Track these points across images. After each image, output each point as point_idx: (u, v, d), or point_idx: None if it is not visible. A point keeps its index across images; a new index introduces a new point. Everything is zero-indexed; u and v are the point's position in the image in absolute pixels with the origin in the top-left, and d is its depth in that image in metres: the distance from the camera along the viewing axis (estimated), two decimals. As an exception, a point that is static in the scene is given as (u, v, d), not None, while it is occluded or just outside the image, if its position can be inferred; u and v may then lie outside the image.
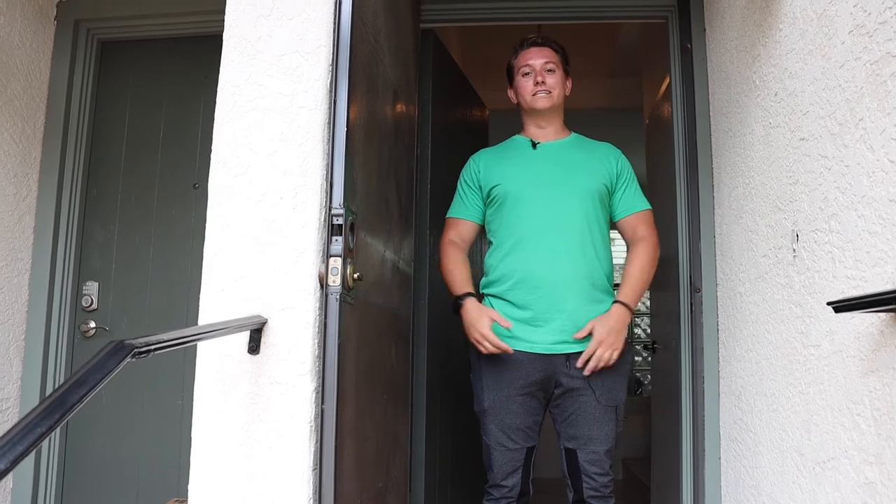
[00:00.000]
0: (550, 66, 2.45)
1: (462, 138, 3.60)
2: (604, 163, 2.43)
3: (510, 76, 2.54)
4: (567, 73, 2.52)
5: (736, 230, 2.35)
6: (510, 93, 2.55)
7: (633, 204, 2.43)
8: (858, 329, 1.44)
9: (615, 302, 2.29)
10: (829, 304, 1.40)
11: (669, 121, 2.87)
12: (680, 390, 2.71)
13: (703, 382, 2.59)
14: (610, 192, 2.41)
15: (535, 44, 2.49)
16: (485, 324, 2.23)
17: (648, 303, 6.18)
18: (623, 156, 2.49)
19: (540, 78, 2.42)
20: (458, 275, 2.39)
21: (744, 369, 2.25)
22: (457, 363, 3.29)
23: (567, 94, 2.51)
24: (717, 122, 2.61)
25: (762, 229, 2.07)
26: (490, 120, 4.20)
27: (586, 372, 2.21)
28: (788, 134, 1.84)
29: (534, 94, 2.42)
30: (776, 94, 1.94)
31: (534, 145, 2.45)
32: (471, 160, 2.53)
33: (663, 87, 3.12)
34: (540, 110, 2.44)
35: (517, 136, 2.54)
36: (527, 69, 2.45)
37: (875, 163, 1.39)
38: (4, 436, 0.96)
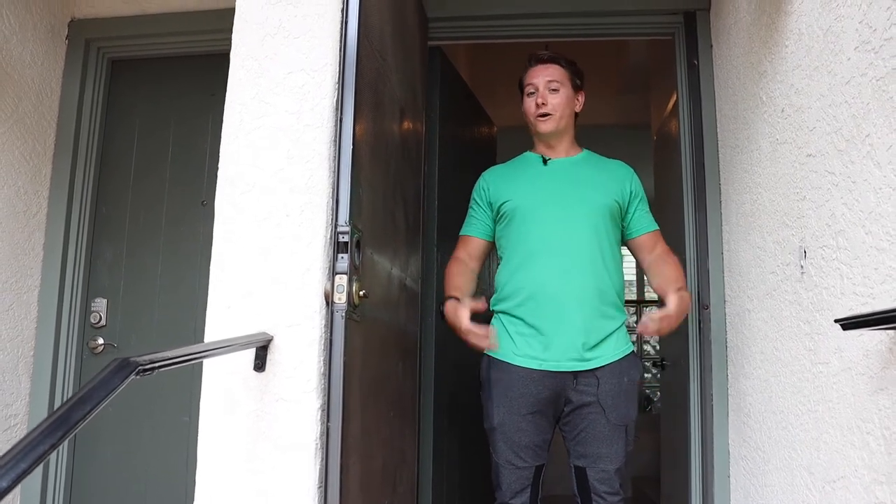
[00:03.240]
0: (554, 84, 2.36)
1: (470, 155, 3.60)
2: (616, 181, 2.39)
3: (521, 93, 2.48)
4: (578, 88, 2.43)
5: (744, 247, 2.34)
6: (523, 109, 2.48)
7: (648, 223, 2.41)
8: (867, 346, 1.43)
9: (680, 290, 2.25)
10: (836, 321, 1.39)
11: (677, 137, 2.87)
12: (688, 408, 2.69)
13: (712, 400, 2.57)
14: (622, 210, 2.38)
15: (540, 61, 2.41)
16: (462, 318, 2.22)
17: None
18: (635, 175, 2.44)
19: (541, 100, 2.35)
20: (448, 283, 2.38)
21: (752, 387, 2.23)
22: (464, 380, 3.28)
23: (578, 110, 2.44)
24: (724, 139, 2.61)
25: (770, 246, 2.06)
26: (498, 137, 4.20)
27: (640, 331, 2.20)
28: (795, 150, 1.84)
29: (536, 117, 2.37)
30: (783, 111, 1.94)
31: (545, 161, 2.40)
32: (481, 178, 2.50)
33: (671, 103, 3.12)
34: (543, 134, 2.39)
35: (528, 153, 2.49)
36: (531, 88, 2.39)
37: (882, 179, 1.38)
38: (7, 454, 0.96)
